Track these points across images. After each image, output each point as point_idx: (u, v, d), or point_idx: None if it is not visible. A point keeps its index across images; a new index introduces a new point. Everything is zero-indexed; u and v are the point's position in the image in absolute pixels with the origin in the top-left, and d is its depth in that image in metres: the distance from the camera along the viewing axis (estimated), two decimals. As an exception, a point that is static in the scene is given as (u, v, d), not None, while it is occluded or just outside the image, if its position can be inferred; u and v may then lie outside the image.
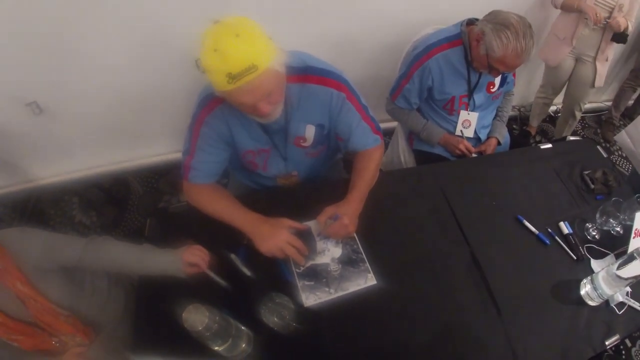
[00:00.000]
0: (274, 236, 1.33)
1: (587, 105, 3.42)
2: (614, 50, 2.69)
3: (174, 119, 2.58)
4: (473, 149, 1.98)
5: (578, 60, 2.75)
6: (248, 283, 1.34)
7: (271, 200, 1.59)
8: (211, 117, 1.37)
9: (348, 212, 1.41)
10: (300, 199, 1.58)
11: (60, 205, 2.69)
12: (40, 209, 2.68)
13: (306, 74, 1.37)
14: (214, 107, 1.36)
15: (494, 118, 2.16)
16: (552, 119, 3.52)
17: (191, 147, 1.43)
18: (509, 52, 1.69)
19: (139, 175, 2.84)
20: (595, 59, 2.67)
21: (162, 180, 2.83)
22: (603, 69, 2.71)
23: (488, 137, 2.12)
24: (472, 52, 1.85)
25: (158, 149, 2.81)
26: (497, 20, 1.72)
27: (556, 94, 3.03)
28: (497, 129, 2.13)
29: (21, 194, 2.69)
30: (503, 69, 1.77)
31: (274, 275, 1.37)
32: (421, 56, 1.90)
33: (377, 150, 1.60)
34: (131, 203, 2.72)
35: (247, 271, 1.34)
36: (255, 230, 1.35)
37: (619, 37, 2.49)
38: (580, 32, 2.57)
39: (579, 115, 3.05)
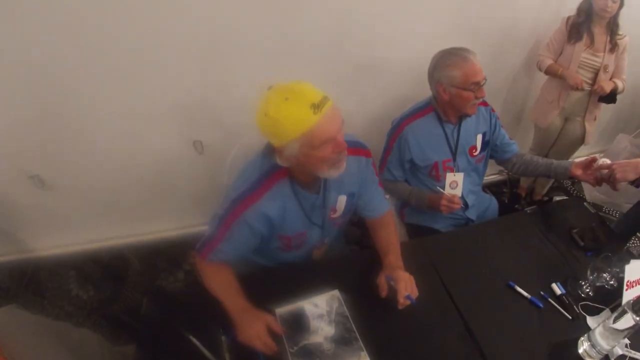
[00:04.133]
0: (249, 327, 1.34)
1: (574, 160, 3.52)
2: (602, 109, 2.77)
3: (174, 197, 2.68)
4: (457, 199, 1.92)
5: (567, 119, 2.83)
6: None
7: (272, 279, 1.61)
8: (249, 213, 1.40)
9: (398, 275, 1.46)
10: (299, 278, 1.59)
11: (57, 278, 2.69)
12: (37, 280, 2.68)
13: None
14: (255, 200, 1.40)
15: (552, 163, 2.01)
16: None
17: (218, 235, 1.45)
18: (462, 64, 1.79)
19: (138, 251, 2.84)
20: (584, 118, 2.75)
21: (161, 257, 2.82)
22: (592, 127, 2.79)
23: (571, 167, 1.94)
24: (447, 107, 1.93)
25: (157, 225, 2.84)
26: (436, 60, 1.87)
27: (545, 153, 3.08)
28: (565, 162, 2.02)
29: (19, 263, 2.70)
30: (477, 79, 1.80)
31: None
32: (397, 128, 2.00)
33: (391, 213, 1.72)
34: (129, 279, 2.71)
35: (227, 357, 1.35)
36: (238, 317, 1.37)
37: (608, 98, 2.58)
38: (567, 94, 2.66)
39: None
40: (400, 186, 2.10)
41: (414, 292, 1.43)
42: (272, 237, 1.54)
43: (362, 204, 1.67)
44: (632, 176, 1.66)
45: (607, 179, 1.73)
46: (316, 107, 1.17)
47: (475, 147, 2.06)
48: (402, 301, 1.41)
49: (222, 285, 1.46)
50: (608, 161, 1.73)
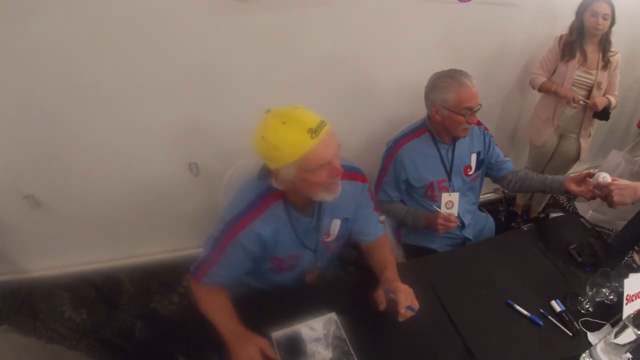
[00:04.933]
0: (242, 351, 1.32)
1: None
2: (596, 126, 2.80)
3: (169, 219, 2.67)
4: (453, 218, 1.91)
5: (562, 136, 2.86)
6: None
7: (268, 302, 1.60)
8: (243, 234, 1.40)
9: (397, 286, 1.44)
10: (295, 301, 1.58)
11: (51, 300, 2.66)
12: (30, 301, 2.65)
13: None
14: (249, 222, 1.40)
15: (546, 178, 2.03)
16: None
17: (212, 257, 1.45)
18: (456, 88, 1.81)
19: (132, 274, 2.82)
20: (579, 135, 2.78)
21: (154, 279, 2.80)
22: (586, 144, 2.82)
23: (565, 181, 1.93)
24: (440, 128, 1.95)
25: (152, 248, 2.83)
26: (433, 82, 1.90)
27: (540, 171, 3.09)
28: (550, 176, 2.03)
29: (12, 284, 2.68)
30: (470, 104, 1.82)
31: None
32: (392, 149, 2.02)
33: (386, 237, 1.72)
34: (122, 302, 2.68)
35: None
36: (231, 340, 1.35)
37: (601, 114, 2.60)
38: (562, 111, 2.69)
39: None
40: (396, 207, 2.10)
41: (415, 305, 1.41)
42: (264, 259, 1.54)
43: (357, 229, 1.67)
44: (628, 200, 1.66)
45: (604, 197, 1.73)
46: (313, 132, 1.19)
47: (470, 167, 2.07)
48: (403, 312, 1.38)
49: (216, 308, 1.44)
50: (609, 178, 1.73)
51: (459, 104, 1.82)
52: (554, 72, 2.63)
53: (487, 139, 2.09)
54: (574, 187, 1.87)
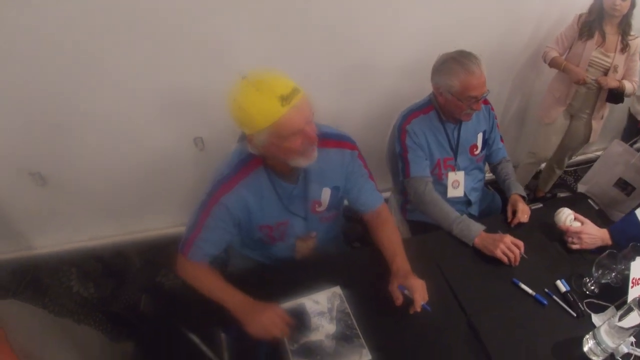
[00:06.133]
0: (263, 315, 1.32)
1: (579, 157, 3.51)
2: (609, 109, 2.76)
3: (174, 194, 2.68)
4: (521, 243, 1.68)
5: (573, 116, 2.82)
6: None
7: (272, 276, 1.60)
8: (227, 197, 1.40)
9: (412, 285, 1.42)
10: (299, 275, 1.59)
11: (59, 275, 2.70)
12: (38, 277, 2.69)
13: (324, 138, 1.41)
14: (233, 185, 1.40)
15: (505, 180, 2.07)
16: (536, 174, 3.51)
17: (198, 223, 1.45)
18: (463, 76, 1.73)
19: (138, 248, 2.85)
20: (591, 116, 2.74)
21: (161, 254, 2.82)
22: (598, 126, 2.79)
23: (511, 196, 1.97)
24: (443, 109, 1.91)
25: (158, 222, 2.85)
26: (440, 64, 1.82)
27: (547, 157, 3.07)
28: (515, 187, 2.01)
29: (20, 261, 2.72)
30: (475, 94, 1.76)
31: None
32: (401, 125, 1.95)
33: (386, 208, 1.70)
34: (129, 276, 2.71)
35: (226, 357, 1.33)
36: (243, 311, 1.35)
37: (613, 97, 2.55)
38: (575, 90, 2.64)
39: (564, 166, 3.17)
40: (439, 202, 1.89)
41: (426, 298, 1.41)
42: (252, 227, 1.53)
43: (352, 198, 1.65)
44: (596, 246, 1.73)
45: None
46: (284, 99, 1.17)
47: (476, 146, 2.04)
48: (419, 310, 1.39)
49: (214, 284, 1.45)
50: (578, 224, 1.75)
51: (463, 92, 1.76)
52: (570, 50, 2.59)
53: (491, 120, 2.06)
54: (509, 208, 1.90)
